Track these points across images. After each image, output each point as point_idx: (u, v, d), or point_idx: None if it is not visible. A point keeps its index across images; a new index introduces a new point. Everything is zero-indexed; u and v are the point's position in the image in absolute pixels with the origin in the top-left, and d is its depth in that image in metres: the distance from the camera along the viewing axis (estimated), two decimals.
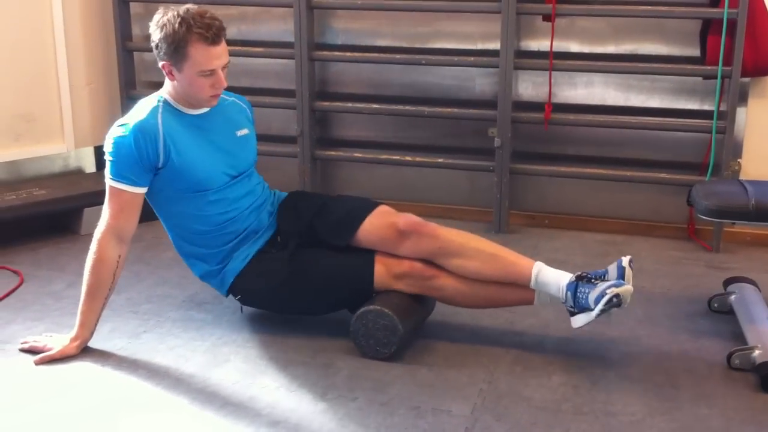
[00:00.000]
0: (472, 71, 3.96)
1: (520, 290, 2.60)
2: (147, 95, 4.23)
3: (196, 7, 2.51)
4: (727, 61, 3.44)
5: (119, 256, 2.55)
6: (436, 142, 4.08)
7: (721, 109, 3.55)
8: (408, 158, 4.01)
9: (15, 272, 3.24)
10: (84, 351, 2.56)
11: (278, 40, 4.12)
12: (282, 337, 2.70)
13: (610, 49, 3.78)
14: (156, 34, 2.50)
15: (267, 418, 2.22)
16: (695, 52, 3.64)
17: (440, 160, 3.99)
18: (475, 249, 2.62)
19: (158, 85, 4.36)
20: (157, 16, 2.52)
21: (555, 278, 2.54)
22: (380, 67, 4.08)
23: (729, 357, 2.50)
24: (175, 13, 2.47)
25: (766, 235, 3.67)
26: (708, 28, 3.54)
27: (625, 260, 2.50)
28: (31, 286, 3.13)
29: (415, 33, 4.01)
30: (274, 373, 2.48)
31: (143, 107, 2.60)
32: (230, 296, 2.75)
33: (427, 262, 2.63)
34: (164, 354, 2.58)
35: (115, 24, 4.21)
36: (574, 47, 3.81)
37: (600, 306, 2.39)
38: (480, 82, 3.96)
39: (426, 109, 3.94)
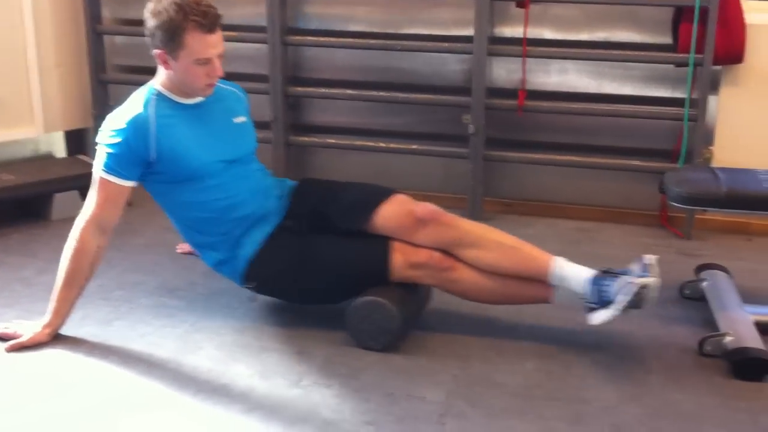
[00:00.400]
0: (446, 57, 3.95)
1: (538, 286, 2.56)
2: (116, 79, 4.19)
3: None
4: (699, 49, 3.46)
5: (99, 247, 2.53)
6: (410, 129, 4.07)
7: (693, 96, 3.57)
8: (382, 144, 4.00)
9: None
10: (56, 338, 2.53)
11: (251, 24, 4.08)
12: (256, 324, 2.69)
13: (584, 36, 3.78)
14: (151, 22, 2.47)
15: (241, 405, 2.21)
16: (667, 39, 3.66)
17: (415, 146, 3.98)
18: (495, 241, 2.58)
19: (130, 69, 4.35)
20: (151, 4, 2.49)
21: (576, 272, 2.50)
22: (354, 52, 4.06)
23: (701, 343, 2.52)
24: (172, 0, 2.44)
25: (738, 222, 3.71)
26: (680, 16, 3.55)
27: (649, 257, 2.43)
28: (0, 272, 3.08)
29: (389, 19, 3.99)
30: (248, 360, 2.47)
31: (135, 100, 2.57)
32: (245, 287, 2.69)
33: (445, 252, 2.57)
34: (136, 341, 2.56)
35: (84, 6, 4.15)
36: (548, 34, 3.81)
37: (624, 298, 2.36)
38: (454, 68, 3.95)
39: (400, 95, 3.93)
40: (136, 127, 2.48)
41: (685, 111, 3.56)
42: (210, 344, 2.56)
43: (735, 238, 3.65)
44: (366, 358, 2.48)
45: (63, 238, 3.39)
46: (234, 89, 2.82)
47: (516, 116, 3.78)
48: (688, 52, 3.48)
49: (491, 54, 3.76)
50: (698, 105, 3.54)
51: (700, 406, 2.26)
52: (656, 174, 3.30)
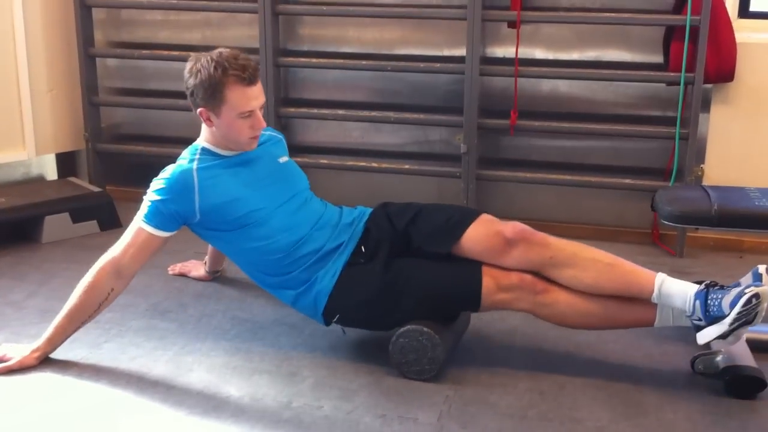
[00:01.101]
0: (438, 77, 3.96)
1: (640, 307, 2.42)
2: (108, 101, 4.20)
3: (227, 50, 2.50)
4: (690, 68, 3.48)
5: (113, 290, 2.51)
6: (403, 148, 4.07)
7: (684, 115, 3.58)
8: (375, 164, 4.00)
9: None
10: (44, 361, 2.50)
11: (243, 45, 4.08)
12: (247, 346, 2.67)
13: (575, 55, 3.80)
14: (191, 81, 2.48)
15: (232, 428, 2.19)
16: (659, 58, 3.67)
17: (407, 166, 3.98)
18: (591, 259, 2.45)
19: (122, 92, 4.36)
20: (189, 63, 2.51)
21: (681, 288, 2.35)
22: (346, 73, 4.07)
23: (693, 362, 2.51)
24: (209, 57, 2.46)
25: (729, 239, 3.71)
26: (671, 35, 3.57)
27: (762, 267, 2.31)
28: None
29: (381, 39, 4.01)
30: (239, 382, 2.45)
31: (182, 157, 2.59)
32: (330, 323, 2.60)
33: (537, 275, 2.46)
34: (126, 364, 2.54)
35: (77, 29, 4.16)
36: (539, 54, 3.82)
37: (737, 309, 2.20)
38: (446, 89, 3.96)
39: (392, 114, 3.94)
40: (181, 180, 2.50)
41: (677, 129, 3.57)
42: (201, 366, 2.54)
43: (727, 255, 3.65)
44: (358, 379, 2.46)
45: (53, 261, 3.41)
46: (273, 133, 2.83)
47: (508, 135, 3.79)
48: (679, 71, 3.50)
49: (483, 74, 3.77)
50: (689, 123, 3.54)
51: (693, 425, 2.25)
52: (648, 192, 3.30)
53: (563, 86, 3.83)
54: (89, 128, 4.25)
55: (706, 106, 3.63)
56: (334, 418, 2.25)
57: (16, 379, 2.34)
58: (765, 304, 2.21)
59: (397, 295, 2.47)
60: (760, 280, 2.29)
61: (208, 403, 2.32)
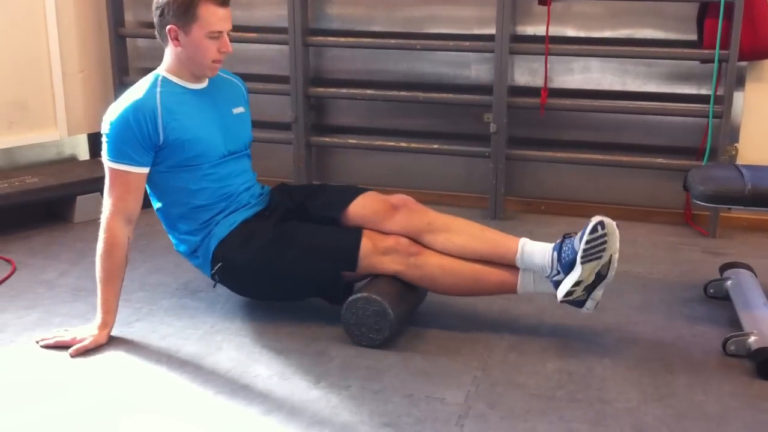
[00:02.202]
0: (467, 56, 3.93)
1: (506, 271, 2.57)
2: None
3: None
4: (725, 45, 3.42)
5: (128, 238, 2.54)
6: (431, 128, 4.06)
7: (718, 93, 3.53)
8: (403, 144, 3.99)
9: (7, 261, 3.22)
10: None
11: (272, 25, 4.09)
12: (275, 326, 2.68)
13: (607, 33, 3.75)
14: None
15: (260, 407, 2.20)
16: (692, 36, 3.61)
17: (436, 146, 3.97)
18: (464, 224, 2.65)
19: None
20: None
21: (542, 247, 2.53)
22: (375, 52, 4.05)
23: (725, 343, 2.48)
24: None
25: (763, 220, 3.66)
26: (705, 12, 3.51)
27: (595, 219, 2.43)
28: (23, 275, 3.11)
29: (410, 18, 3.98)
30: (268, 361, 2.46)
31: (140, 86, 2.59)
32: (215, 279, 2.70)
33: (413, 241, 2.62)
34: (157, 343, 2.57)
35: (108, 10, 4.18)
36: (570, 32, 3.78)
37: (584, 240, 2.37)
38: (476, 67, 3.93)
39: (421, 94, 3.92)
40: (143, 111, 2.50)
41: (710, 108, 3.52)
42: (230, 345, 2.56)
43: (760, 236, 3.60)
44: (385, 360, 2.47)
45: (85, 240, 3.44)
46: (233, 79, 2.83)
47: (538, 115, 3.75)
48: (713, 48, 3.44)
49: (513, 52, 3.74)
50: (723, 102, 3.49)
51: (724, 407, 2.22)
52: (680, 172, 3.25)
53: (595, 64, 3.78)
54: None
55: (740, 84, 3.57)
56: (362, 397, 2.26)
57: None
58: (613, 239, 2.38)
59: (282, 246, 2.59)
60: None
61: (237, 381, 2.34)
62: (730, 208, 3.37)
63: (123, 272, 2.55)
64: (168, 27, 2.52)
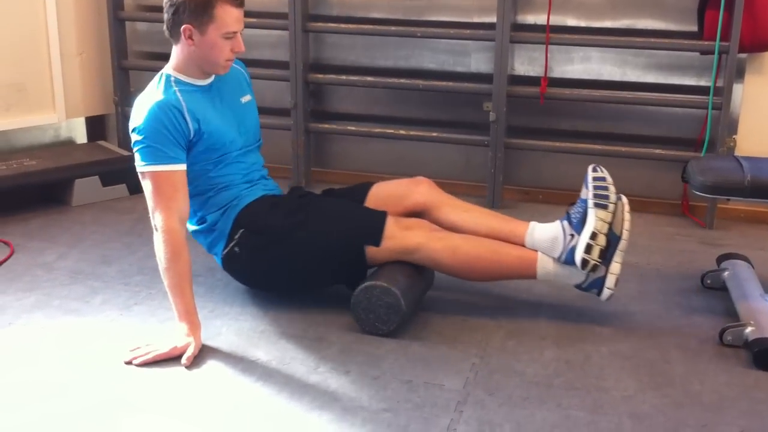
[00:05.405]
0: (467, 45, 3.92)
1: (523, 251, 2.62)
2: (137, 65, 4.20)
3: None
4: (725, 37, 3.42)
5: (185, 238, 2.50)
6: (430, 116, 4.05)
7: (718, 84, 3.53)
8: (402, 132, 3.99)
9: (5, 243, 3.22)
10: (74, 324, 2.55)
11: (272, 10, 4.08)
12: (275, 311, 2.69)
13: (607, 23, 3.74)
14: None
15: (259, 391, 2.21)
16: (693, 27, 3.61)
17: (435, 134, 3.96)
18: (477, 207, 2.81)
19: (151, 56, 4.35)
20: None
21: (550, 224, 2.63)
22: (375, 39, 4.04)
23: (721, 333, 2.50)
24: None
25: (760, 211, 3.67)
26: (706, 3, 3.51)
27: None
28: (21, 258, 3.11)
29: (410, 5, 3.97)
30: (267, 346, 2.47)
31: (154, 88, 2.57)
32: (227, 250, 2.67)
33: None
34: (155, 326, 2.57)
35: None
36: (571, 21, 3.77)
37: (590, 185, 2.57)
38: (475, 56, 3.92)
39: (421, 82, 3.91)
40: (170, 109, 2.48)
41: (710, 99, 3.52)
42: (229, 330, 2.56)
43: (757, 227, 3.61)
44: (384, 345, 2.47)
45: (83, 223, 3.44)
46: (234, 64, 2.80)
47: (537, 104, 3.75)
48: (713, 39, 3.44)
49: (514, 41, 3.73)
50: (723, 93, 3.49)
51: (720, 397, 2.24)
52: (679, 162, 3.26)
53: (595, 54, 3.78)
54: (118, 92, 4.26)
55: (740, 75, 3.57)
56: (361, 383, 2.27)
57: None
58: (606, 177, 2.60)
59: (308, 214, 2.64)
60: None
61: (236, 366, 2.34)
62: (728, 200, 3.37)
63: (190, 272, 2.46)
64: (183, 26, 2.49)
